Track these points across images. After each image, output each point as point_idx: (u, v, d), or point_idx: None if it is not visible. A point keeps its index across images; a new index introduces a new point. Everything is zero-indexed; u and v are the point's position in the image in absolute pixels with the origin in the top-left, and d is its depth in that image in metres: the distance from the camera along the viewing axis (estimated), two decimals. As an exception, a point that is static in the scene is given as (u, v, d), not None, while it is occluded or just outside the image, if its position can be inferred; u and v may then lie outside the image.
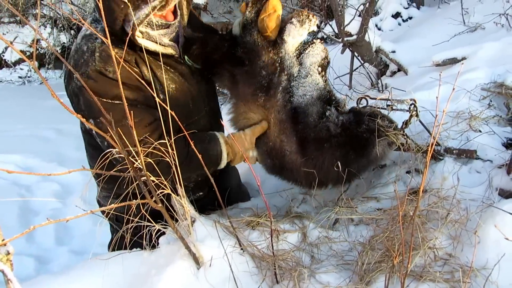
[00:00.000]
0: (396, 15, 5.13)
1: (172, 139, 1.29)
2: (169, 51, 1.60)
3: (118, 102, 1.42)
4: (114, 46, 1.45)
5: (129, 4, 1.36)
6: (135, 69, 1.49)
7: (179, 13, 1.60)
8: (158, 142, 1.30)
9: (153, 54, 1.55)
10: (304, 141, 1.69)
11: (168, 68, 1.62)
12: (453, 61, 2.90)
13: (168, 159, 1.28)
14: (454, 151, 1.73)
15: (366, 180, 1.96)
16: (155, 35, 1.53)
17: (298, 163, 1.72)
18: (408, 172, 1.81)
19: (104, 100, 1.42)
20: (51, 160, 4.31)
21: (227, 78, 1.72)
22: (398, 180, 1.80)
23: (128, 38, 1.36)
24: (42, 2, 8.22)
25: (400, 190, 1.74)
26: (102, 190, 1.76)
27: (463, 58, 2.83)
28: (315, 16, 1.66)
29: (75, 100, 1.51)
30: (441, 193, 1.57)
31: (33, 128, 5.23)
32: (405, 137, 1.72)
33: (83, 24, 1.34)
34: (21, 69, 8.52)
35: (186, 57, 1.68)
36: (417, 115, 1.71)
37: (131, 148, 1.20)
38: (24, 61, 8.50)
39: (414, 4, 5.24)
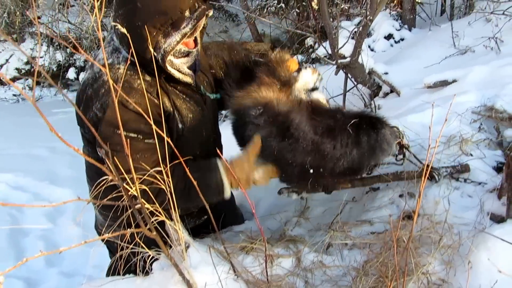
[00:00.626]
0: (389, 37, 5.23)
1: (168, 167, 1.30)
2: (188, 79, 1.59)
3: (135, 135, 1.42)
4: (137, 77, 1.46)
5: (161, 31, 1.39)
6: (156, 101, 1.48)
7: (198, 41, 1.61)
8: (154, 169, 1.30)
9: (173, 83, 1.57)
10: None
11: (185, 97, 1.62)
12: (444, 83, 2.94)
13: (167, 188, 1.28)
14: (449, 169, 1.77)
15: (360, 203, 1.97)
16: (177, 63, 1.54)
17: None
18: (401, 195, 1.82)
19: (121, 132, 1.40)
20: (43, 178, 4.29)
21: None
22: (392, 204, 1.82)
23: (156, 66, 1.38)
24: (39, 20, 8.28)
25: (393, 214, 1.76)
26: (103, 218, 1.75)
27: (454, 81, 2.88)
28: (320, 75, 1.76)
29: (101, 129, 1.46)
30: (434, 218, 1.58)
31: (26, 146, 5.21)
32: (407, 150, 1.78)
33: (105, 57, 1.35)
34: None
35: (202, 87, 1.70)
36: (408, 148, 1.76)
37: (133, 175, 1.19)
38: (19, 79, 8.50)
39: (405, 26, 5.35)
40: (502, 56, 3.11)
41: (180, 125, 1.57)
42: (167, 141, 1.29)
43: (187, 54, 1.57)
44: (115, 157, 1.26)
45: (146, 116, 1.35)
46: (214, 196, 1.57)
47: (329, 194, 1.83)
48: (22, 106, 8.01)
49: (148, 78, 1.48)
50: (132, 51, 1.45)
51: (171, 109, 1.54)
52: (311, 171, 1.59)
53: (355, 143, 1.56)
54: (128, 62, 1.41)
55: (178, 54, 1.53)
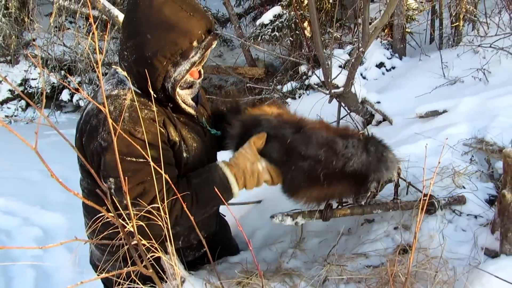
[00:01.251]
0: (380, 65, 5.35)
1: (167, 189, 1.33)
2: (191, 111, 1.62)
3: (142, 160, 1.41)
4: (144, 107, 1.47)
5: (171, 60, 1.42)
6: (162, 130, 1.50)
7: (202, 72, 1.64)
8: (150, 206, 1.31)
9: (178, 113, 1.59)
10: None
11: (188, 128, 1.64)
12: (435, 113, 3.01)
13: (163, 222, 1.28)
14: (447, 198, 1.80)
15: (355, 235, 1.98)
16: (182, 94, 1.57)
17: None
18: (395, 228, 1.84)
19: (129, 159, 1.40)
20: (35, 203, 4.22)
21: None
22: (387, 236, 1.83)
23: (164, 96, 1.44)
24: (33, 43, 8.33)
25: (388, 247, 1.77)
26: (100, 253, 1.73)
27: (444, 111, 2.95)
28: None
29: (96, 159, 1.46)
30: (429, 252, 1.60)
31: (17, 169, 5.14)
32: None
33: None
34: (8, 108, 8.48)
35: (204, 119, 1.73)
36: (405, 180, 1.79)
37: (129, 211, 1.20)
38: (11, 100, 8.48)
39: (396, 54, 5.48)
40: (490, 87, 3.20)
41: (185, 154, 1.59)
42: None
43: (191, 86, 1.60)
44: (123, 185, 1.25)
45: (155, 142, 1.40)
46: (223, 194, 1.52)
47: (326, 221, 1.79)
48: (14, 128, 7.87)
49: (154, 108, 1.49)
50: (133, 81, 1.50)
51: (177, 139, 1.56)
52: (321, 170, 1.55)
53: (365, 149, 1.58)
54: (152, 94, 1.41)
55: (184, 85, 1.57)
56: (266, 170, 1.61)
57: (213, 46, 1.52)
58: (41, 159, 0.93)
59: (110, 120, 1.16)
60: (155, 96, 1.43)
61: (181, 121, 1.62)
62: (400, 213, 1.84)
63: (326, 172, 1.56)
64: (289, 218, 1.73)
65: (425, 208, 1.18)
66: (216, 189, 1.44)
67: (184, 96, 1.58)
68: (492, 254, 1.53)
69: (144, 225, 1.28)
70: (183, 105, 1.57)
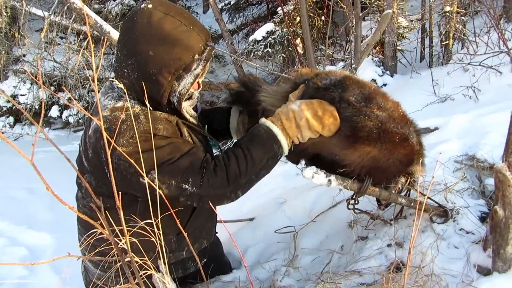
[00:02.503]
0: (372, 82, 5.41)
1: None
2: (193, 121, 1.66)
3: (171, 156, 1.42)
4: (152, 117, 1.48)
5: (175, 75, 1.44)
6: (177, 130, 1.53)
7: (200, 83, 1.65)
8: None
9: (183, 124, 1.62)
10: None
11: (193, 136, 1.66)
12: (427, 130, 3.03)
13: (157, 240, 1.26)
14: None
15: (349, 253, 1.97)
16: (185, 105, 1.59)
17: None
18: (389, 245, 1.83)
19: (159, 151, 1.40)
20: (21, 222, 4.09)
21: None
22: (380, 254, 1.81)
23: (169, 109, 1.47)
24: (23, 58, 8.29)
25: (382, 264, 1.75)
26: (93, 266, 1.71)
27: (436, 128, 2.98)
28: None
29: (122, 166, 1.41)
30: (422, 270, 1.59)
31: (3, 188, 4.97)
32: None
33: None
34: (-4, 123, 8.39)
35: (206, 126, 1.78)
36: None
37: (123, 227, 1.17)
38: (0, 116, 8.38)
39: (388, 72, 5.56)
40: (480, 105, 3.25)
41: None
42: None
43: (190, 97, 1.62)
44: (164, 173, 1.37)
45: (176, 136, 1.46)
46: (274, 145, 1.52)
47: (358, 193, 1.67)
48: (1, 145, 7.81)
49: (161, 123, 1.49)
50: (134, 97, 1.50)
51: (190, 140, 1.58)
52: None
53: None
54: (124, 103, 1.45)
55: (186, 97, 1.59)
56: (304, 109, 1.51)
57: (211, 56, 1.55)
58: (37, 171, 0.91)
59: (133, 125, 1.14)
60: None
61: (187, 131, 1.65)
62: (394, 229, 1.83)
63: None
64: (323, 173, 1.58)
65: (415, 234, 1.16)
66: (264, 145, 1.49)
67: (187, 108, 1.60)
68: (484, 272, 1.52)
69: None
70: (188, 116, 1.60)
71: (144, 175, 1.25)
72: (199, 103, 1.75)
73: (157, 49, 1.40)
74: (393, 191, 1.71)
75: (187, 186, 1.41)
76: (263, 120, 1.56)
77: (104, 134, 1.17)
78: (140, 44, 1.41)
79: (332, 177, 1.57)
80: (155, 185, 1.34)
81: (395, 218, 1.91)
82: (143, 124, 1.41)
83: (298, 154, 1.71)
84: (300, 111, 1.51)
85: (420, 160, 1.66)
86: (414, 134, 1.63)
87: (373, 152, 1.53)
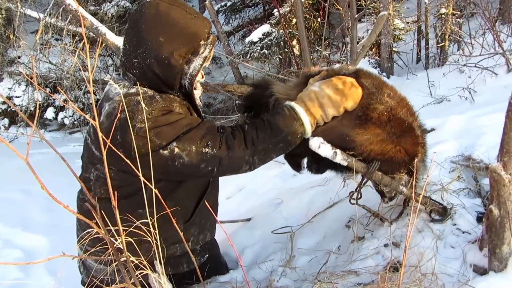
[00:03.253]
0: (367, 83, 5.41)
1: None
2: (200, 111, 1.73)
3: (188, 127, 1.48)
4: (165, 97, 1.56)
5: (186, 58, 1.53)
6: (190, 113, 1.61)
7: (203, 73, 1.72)
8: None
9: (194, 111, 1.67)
10: None
11: None
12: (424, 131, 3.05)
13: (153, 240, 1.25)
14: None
15: (345, 253, 1.97)
16: (195, 93, 1.66)
17: None
18: (386, 245, 1.83)
19: (178, 122, 1.47)
20: (16, 224, 4.04)
21: None
22: (377, 254, 1.82)
23: (181, 94, 1.56)
24: (18, 60, 8.26)
25: (379, 264, 1.76)
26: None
27: (432, 129, 2.99)
28: None
29: (139, 145, 1.40)
30: (419, 269, 1.59)
31: (-3, 189, 4.98)
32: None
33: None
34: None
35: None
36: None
37: (118, 227, 1.17)
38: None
39: (384, 73, 5.58)
40: (476, 106, 3.27)
41: None
42: None
43: (195, 87, 1.66)
44: (184, 140, 1.43)
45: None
46: (295, 122, 1.56)
47: (366, 175, 1.68)
48: (-4, 146, 7.75)
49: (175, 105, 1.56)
50: (145, 86, 1.55)
51: None
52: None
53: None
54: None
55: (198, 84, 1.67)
56: (324, 87, 1.58)
57: (215, 43, 1.62)
58: (32, 170, 0.91)
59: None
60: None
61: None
62: (390, 229, 1.84)
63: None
64: (329, 145, 1.60)
65: (410, 233, 1.17)
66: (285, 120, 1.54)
67: (196, 96, 1.67)
68: (480, 271, 1.52)
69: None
70: (198, 101, 1.68)
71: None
72: (201, 96, 1.80)
73: (167, 34, 1.48)
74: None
75: (207, 150, 1.46)
76: (286, 102, 1.62)
77: (124, 115, 1.31)
78: (150, 32, 1.49)
79: (338, 151, 1.60)
80: (175, 154, 1.42)
81: (395, 219, 1.91)
82: (160, 102, 1.49)
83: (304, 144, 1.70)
84: (321, 90, 1.58)
85: (423, 157, 1.72)
86: (419, 128, 1.73)
87: (382, 135, 1.61)
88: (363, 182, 1.74)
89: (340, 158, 1.60)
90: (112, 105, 1.51)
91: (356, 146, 1.62)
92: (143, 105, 1.43)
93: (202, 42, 1.56)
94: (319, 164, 1.86)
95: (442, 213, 1.83)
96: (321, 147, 1.58)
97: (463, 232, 1.73)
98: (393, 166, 1.69)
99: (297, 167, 1.98)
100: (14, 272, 3.26)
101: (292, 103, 1.59)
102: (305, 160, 1.89)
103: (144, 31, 1.50)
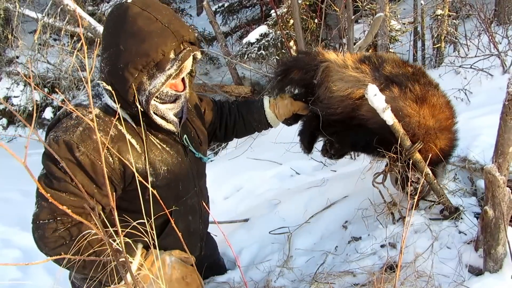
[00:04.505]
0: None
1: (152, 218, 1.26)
2: (171, 127, 1.55)
3: (63, 179, 1.39)
4: (103, 128, 1.44)
5: (144, 72, 1.38)
6: (110, 159, 1.43)
7: (187, 84, 1.59)
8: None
9: (155, 130, 1.54)
10: None
11: (164, 146, 1.58)
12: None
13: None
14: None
15: (342, 253, 1.98)
16: (162, 109, 1.51)
17: None
18: (382, 246, 1.85)
19: (56, 167, 1.39)
20: (14, 224, 4.05)
21: None
22: (374, 254, 1.83)
23: (137, 110, 1.37)
24: (16, 60, 8.25)
25: (375, 264, 1.77)
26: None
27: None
28: None
29: (45, 153, 1.44)
30: (415, 269, 1.61)
31: (-3, 189, 5.00)
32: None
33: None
34: (-10, 125, 8.33)
35: (185, 136, 1.67)
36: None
37: (117, 228, 1.18)
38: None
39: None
40: (471, 108, 3.29)
41: (151, 178, 1.50)
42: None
43: (174, 100, 1.55)
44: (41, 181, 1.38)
45: (87, 169, 1.39)
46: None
47: (408, 150, 1.74)
48: (-5, 146, 7.75)
49: (114, 131, 1.44)
50: (110, 94, 1.47)
51: (138, 165, 1.48)
52: None
53: None
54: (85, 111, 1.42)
55: (166, 98, 1.51)
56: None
57: (198, 57, 1.50)
58: (30, 173, 0.92)
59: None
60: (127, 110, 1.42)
61: (159, 139, 1.56)
62: (386, 230, 1.86)
63: None
64: (384, 97, 1.62)
65: (405, 233, 1.19)
66: None
67: (164, 111, 1.51)
68: (476, 272, 1.54)
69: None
70: (160, 121, 1.50)
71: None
72: (186, 108, 1.65)
73: (127, 43, 1.36)
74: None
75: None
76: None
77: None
78: (114, 38, 1.39)
79: (389, 108, 1.63)
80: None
81: (398, 220, 1.93)
82: (73, 135, 1.39)
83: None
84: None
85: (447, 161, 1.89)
86: (454, 133, 1.93)
87: (430, 122, 1.77)
88: (394, 165, 1.80)
89: (389, 115, 1.64)
90: (62, 110, 1.51)
91: (404, 116, 1.75)
92: (65, 125, 1.42)
93: (171, 56, 1.41)
94: (337, 148, 1.94)
95: (453, 212, 1.84)
96: (378, 95, 1.60)
97: (459, 233, 1.75)
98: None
99: (308, 144, 2.08)
100: (13, 272, 3.27)
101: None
102: (323, 141, 1.99)
103: (109, 36, 1.41)
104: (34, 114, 1.35)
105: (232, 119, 2.03)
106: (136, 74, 1.37)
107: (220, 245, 2.27)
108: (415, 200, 1.69)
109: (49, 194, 1.30)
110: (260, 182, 3.45)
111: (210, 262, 1.97)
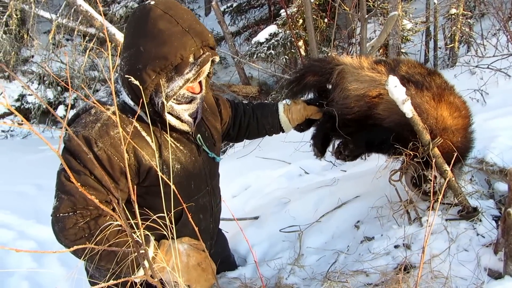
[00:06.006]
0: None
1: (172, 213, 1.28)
2: (185, 127, 1.58)
3: (84, 170, 1.40)
4: (123, 124, 1.46)
5: (161, 75, 1.40)
6: (127, 155, 1.45)
7: (203, 85, 1.60)
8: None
9: (170, 130, 1.54)
10: None
11: (178, 145, 1.60)
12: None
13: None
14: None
15: (354, 253, 1.96)
16: (178, 109, 1.53)
17: None
18: (396, 246, 1.82)
19: (76, 161, 1.40)
20: (29, 217, 4.16)
21: None
22: (387, 255, 1.80)
23: (152, 110, 1.42)
24: (32, 59, 8.38)
25: (389, 264, 1.74)
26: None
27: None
28: None
29: (65, 148, 1.46)
30: (431, 269, 1.57)
31: (13, 183, 5.10)
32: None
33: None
34: (4, 122, 8.47)
35: (199, 136, 1.68)
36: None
37: (138, 220, 1.18)
38: (8, 114, 8.47)
39: (394, 73, 5.52)
40: (488, 109, 3.23)
41: (165, 176, 1.51)
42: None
43: (190, 101, 1.56)
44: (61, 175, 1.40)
45: (105, 163, 1.41)
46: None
47: (428, 145, 1.71)
48: (10, 143, 7.91)
49: (131, 128, 1.46)
50: (127, 92, 1.49)
51: (153, 163, 1.49)
52: None
53: None
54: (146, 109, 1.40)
55: (182, 99, 1.53)
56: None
57: (216, 61, 1.50)
58: (62, 161, 0.92)
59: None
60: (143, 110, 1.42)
61: (173, 137, 1.58)
62: (403, 230, 1.83)
63: None
64: (404, 89, 1.62)
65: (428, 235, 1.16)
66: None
67: (180, 112, 1.54)
68: (495, 275, 1.50)
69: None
70: (174, 122, 1.53)
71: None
72: (200, 109, 1.67)
73: (147, 45, 1.38)
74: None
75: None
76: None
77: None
78: (134, 38, 1.41)
79: (409, 100, 1.62)
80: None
81: (414, 220, 1.90)
82: (92, 131, 1.42)
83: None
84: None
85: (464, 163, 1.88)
86: (471, 133, 1.94)
87: (447, 120, 1.78)
88: (410, 162, 1.78)
89: (408, 107, 1.63)
90: (86, 105, 1.52)
91: (422, 113, 1.75)
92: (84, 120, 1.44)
93: (190, 60, 1.42)
94: (351, 149, 1.93)
95: (471, 212, 1.80)
96: (398, 86, 1.60)
97: (477, 235, 1.71)
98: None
99: (321, 147, 2.10)
100: (28, 262, 3.34)
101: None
102: (336, 143, 1.99)
103: (130, 36, 1.43)
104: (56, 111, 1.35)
105: (246, 119, 2.05)
106: (153, 76, 1.39)
107: (230, 241, 2.26)
108: (437, 199, 1.67)
109: (70, 188, 1.37)
110: (268, 181, 3.44)
111: (221, 258, 1.96)
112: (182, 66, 1.41)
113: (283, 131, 2.10)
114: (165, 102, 1.45)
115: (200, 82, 1.57)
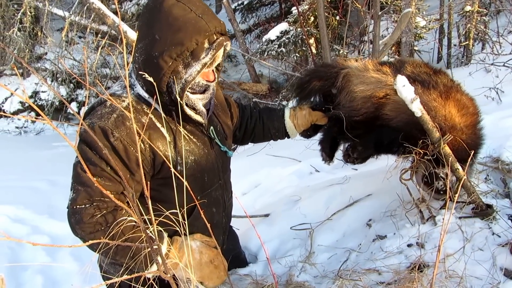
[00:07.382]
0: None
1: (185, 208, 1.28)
2: (199, 118, 1.59)
3: (100, 161, 1.40)
4: (135, 115, 1.47)
5: (178, 61, 1.41)
6: (142, 146, 1.46)
7: (216, 75, 1.61)
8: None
9: (183, 121, 1.54)
10: None
11: (192, 137, 1.60)
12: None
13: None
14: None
15: (366, 251, 1.94)
16: (193, 98, 1.54)
17: None
18: (409, 245, 1.80)
19: (92, 152, 1.41)
20: (43, 212, 4.23)
21: None
22: (400, 253, 1.79)
23: (168, 99, 1.43)
24: (45, 56, 8.48)
25: (401, 263, 1.73)
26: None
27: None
28: None
29: (81, 139, 1.46)
30: (445, 268, 1.55)
31: (27, 178, 5.18)
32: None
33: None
34: (19, 119, 8.61)
35: (211, 128, 1.68)
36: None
37: (151, 216, 1.18)
38: (22, 111, 8.61)
39: (405, 72, 5.47)
40: (503, 107, 3.18)
41: (179, 168, 1.53)
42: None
43: (203, 90, 1.58)
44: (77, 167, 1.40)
45: (121, 154, 1.41)
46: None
47: (438, 143, 1.70)
48: (24, 139, 8.03)
49: (146, 119, 1.47)
50: (142, 84, 1.49)
51: (167, 153, 1.50)
52: None
53: None
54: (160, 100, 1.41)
55: (197, 88, 1.54)
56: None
57: (228, 48, 1.51)
58: (78, 153, 0.92)
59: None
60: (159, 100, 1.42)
61: (187, 129, 1.58)
62: (416, 229, 1.81)
63: None
64: (413, 88, 1.62)
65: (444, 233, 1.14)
66: None
67: (195, 101, 1.55)
68: (511, 275, 1.48)
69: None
70: (189, 111, 1.54)
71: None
72: (213, 100, 1.67)
73: (163, 32, 1.40)
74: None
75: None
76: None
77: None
78: (149, 27, 1.43)
79: (418, 98, 1.61)
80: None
81: (428, 219, 1.88)
82: (108, 121, 1.42)
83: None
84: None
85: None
86: (480, 130, 1.92)
87: (455, 117, 1.77)
88: (421, 160, 1.75)
89: (417, 106, 1.62)
90: (101, 98, 1.52)
91: (430, 110, 1.73)
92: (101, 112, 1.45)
93: (205, 46, 1.44)
94: (360, 151, 1.92)
95: (484, 210, 1.78)
96: (406, 86, 1.59)
97: (493, 234, 1.68)
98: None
99: (330, 152, 2.10)
100: (42, 257, 3.40)
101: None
102: (345, 146, 1.97)
103: (145, 26, 1.45)
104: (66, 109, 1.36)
105: (253, 122, 2.05)
106: (170, 62, 1.41)
107: (241, 238, 2.26)
108: (450, 197, 1.64)
109: (86, 179, 1.37)
110: (278, 179, 3.43)
111: (232, 255, 1.96)
112: (198, 51, 1.43)
113: (288, 137, 2.10)
114: (185, 88, 1.46)
115: (213, 71, 1.59)
